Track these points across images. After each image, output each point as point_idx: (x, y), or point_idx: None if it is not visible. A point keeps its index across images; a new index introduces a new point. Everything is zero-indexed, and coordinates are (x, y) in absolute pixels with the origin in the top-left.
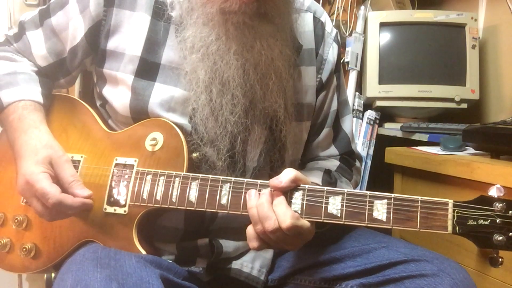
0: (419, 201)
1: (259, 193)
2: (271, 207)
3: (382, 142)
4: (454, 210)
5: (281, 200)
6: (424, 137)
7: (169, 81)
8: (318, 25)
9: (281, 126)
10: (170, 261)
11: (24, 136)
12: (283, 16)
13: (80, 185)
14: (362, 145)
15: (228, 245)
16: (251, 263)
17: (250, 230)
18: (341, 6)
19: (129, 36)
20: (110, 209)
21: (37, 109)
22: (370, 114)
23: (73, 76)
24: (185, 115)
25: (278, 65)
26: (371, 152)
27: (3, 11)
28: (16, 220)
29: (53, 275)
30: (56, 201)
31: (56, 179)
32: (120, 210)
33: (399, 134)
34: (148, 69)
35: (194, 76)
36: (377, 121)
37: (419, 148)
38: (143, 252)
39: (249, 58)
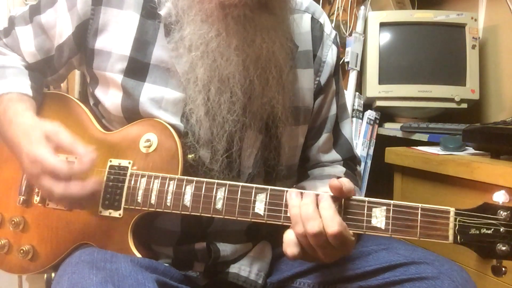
0: (419, 209)
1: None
2: (317, 209)
3: (382, 142)
4: (455, 219)
5: (329, 204)
6: (424, 137)
7: (159, 81)
8: (317, 26)
9: (278, 122)
10: (167, 265)
11: (11, 127)
12: (283, 5)
13: (80, 145)
14: (362, 145)
15: (226, 248)
16: (249, 267)
17: (289, 234)
18: (341, 6)
19: (117, 35)
20: (105, 212)
21: (23, 100)
22: (370, 114)
23: (60, 75)
24: (176, 115)
25: (278, 59)
26: (371, 152)
27: (2, 11)
28: (13, 222)
29: (53, 275)
30: (67, 174)
31: (57, 148)
32: (115, 214)
33: (399, 134)
34: (137, 68)
35: (192, 75)
36: (377, 121)
37: (419, 148)
38: (138, 255)
39: (250, 53)
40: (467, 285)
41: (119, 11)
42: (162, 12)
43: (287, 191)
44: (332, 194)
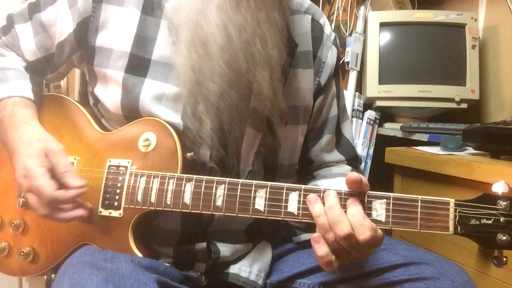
0: (419, 201)
1: (320, 197)
2: (343, 211)
3: (382, 142)
4: (455, 210)
5: (358, 209)
6: (424, 137)
7: (160, 77)
8: (317, 27)
9: (265, 100)
10: (168, 265)
11: (16, 133)
12: None
13: (73, 175)
14: (362, 145)
15: (226, 248)
16: (249, 268)
17: (320, 251)
18: (341, 6)
19: (117, 32)
20: (105, 212)
21: (28, 105)
22: (370, 114)
23: (60, 72)
24: (177, 112)
25: (263, 30)
26: (371, 152)
27: (2, 11)
28: (12, 224)
29: (53, 276)
30: (50, 199)
31: (51, 169)
32: (115, 213)
33: (399, 134)
34: (138, 65)
35: (177, 39)
36: (377, 121)
37: (419, 148)
38: (139, 254)
39: (232, 17)
40: (467, 286)
41: (119, 8)
42: (167, 4)
43: (285, 187)
44: (350, 189)
